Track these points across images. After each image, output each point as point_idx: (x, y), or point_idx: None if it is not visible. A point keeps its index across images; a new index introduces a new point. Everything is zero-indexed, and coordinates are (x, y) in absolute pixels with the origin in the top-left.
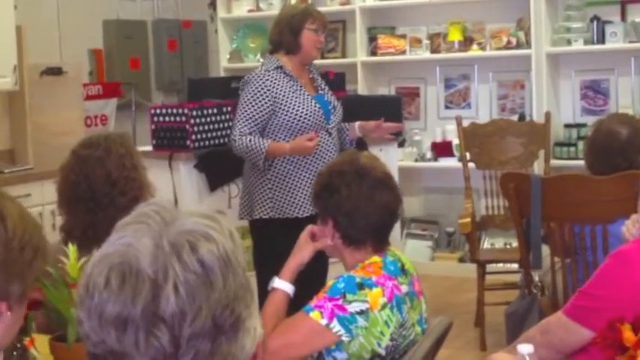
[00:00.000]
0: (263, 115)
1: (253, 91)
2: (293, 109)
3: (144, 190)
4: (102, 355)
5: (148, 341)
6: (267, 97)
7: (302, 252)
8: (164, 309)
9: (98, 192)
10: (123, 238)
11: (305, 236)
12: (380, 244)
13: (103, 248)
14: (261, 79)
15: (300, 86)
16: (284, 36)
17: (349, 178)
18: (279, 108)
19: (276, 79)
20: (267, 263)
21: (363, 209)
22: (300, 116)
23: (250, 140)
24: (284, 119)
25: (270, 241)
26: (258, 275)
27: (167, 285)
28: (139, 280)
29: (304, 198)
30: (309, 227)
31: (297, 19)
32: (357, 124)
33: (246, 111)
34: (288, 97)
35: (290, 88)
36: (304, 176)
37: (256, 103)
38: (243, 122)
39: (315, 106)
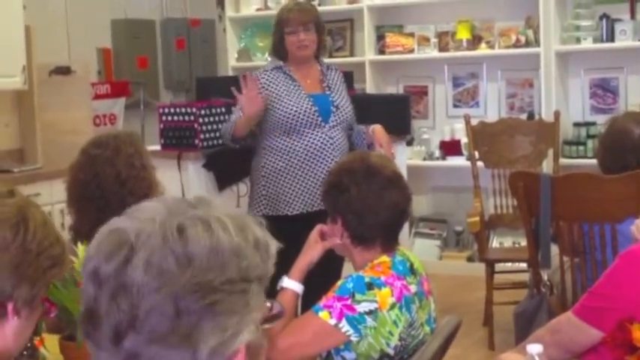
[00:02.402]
0: None
1: None
2: (284, 107)
3: (153, 189)
4: (86, 314)
5: (111, 304)
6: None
7: (312, 251)
8: (130, 274)
9: (107, 191)
10: (135, 212)
11: (315, 235)
12: (389, 243)
13: (118, 217)
14: (258, 77)
15: (297, 85)
16: (274, 44)
17: (359, 176)
18: (272, 106)
19: (272, 79)
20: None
21: (373, 208)
22: (290, 114)
23: (229, 119)
24: (276, 117)
25: (273, 236)
26: None
27: (140, 252)
28: (120, 244)
29: (295, 196)
30: (319, 226)
31: (276, 28)
32: (371, 128)
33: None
34: (280, 96)
35: (285, 87)
36: (296, 174)
37: None
38: (235, 110)
39: (307, 104)
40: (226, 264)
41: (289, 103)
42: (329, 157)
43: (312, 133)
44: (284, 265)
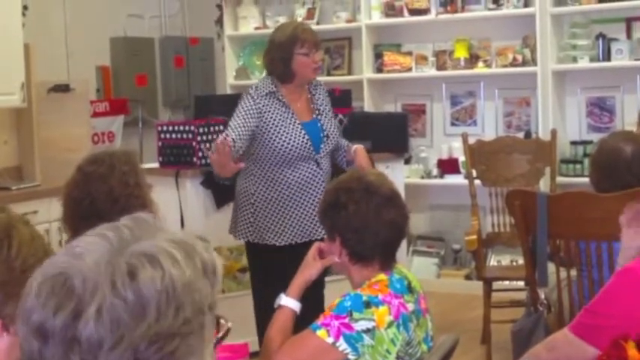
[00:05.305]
0: (247, 130)
1: (246, 106)
2: (279, 139)
3: (147, 208)
4: None
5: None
6: (255, 117)
7: (310, 269)
8: (81, 331)
9: (100, 209)
10: (75, 248)
11: (313, 253)
12: (387, 261)
13: (56, 254)
14: (254, 100)
15: (292, 114)
16: (275, 65)
17: (358, 195)
18: (267, 136)
19: (266, 105)
20: (258, 282)
21: (372, 226)
22: (286, 148)
23: (220, 137)
24: (270, 147)
25: (258, 262)
26: (253, 292)
27: (91, 306)
28: (67, 294)
29: (284, 227)
30: (317, 244)
31: (285, 47)
32: (353, 148)
33: (236, 120)
34: (276, 126)
35: (280, 116)
36: (287, 205)
37: (245, 117)
38: (232, 129)
39: (303, 138)
40: (181, 304)
41: (285, 136)
42: (319, 187)
43: (304, 165)
44: (269, 291)
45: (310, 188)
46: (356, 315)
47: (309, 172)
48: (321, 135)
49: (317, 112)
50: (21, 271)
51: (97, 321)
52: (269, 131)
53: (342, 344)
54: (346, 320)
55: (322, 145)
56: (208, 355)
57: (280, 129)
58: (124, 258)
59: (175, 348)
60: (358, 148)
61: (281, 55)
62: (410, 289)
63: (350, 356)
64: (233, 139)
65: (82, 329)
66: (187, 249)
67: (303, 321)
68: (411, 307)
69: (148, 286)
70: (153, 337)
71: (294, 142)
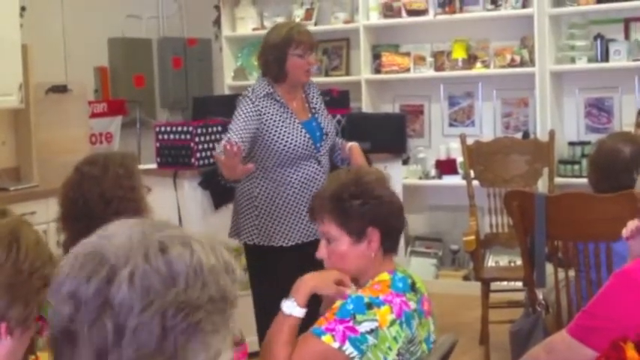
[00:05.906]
0: (248, 132)
1: (245, 109)
2: (282, 139)
3: (141, 212)
4: (59, 335)
5: (94, 324)
6: (255, 120)
7: (325, 287)
8: (114, 294)
9: (93, 210)
10: (106, 231)
11: (335, 279)
12: (396, 250)
13: (89, 237)
14: (252, 102)
15: (291, 114)
16: (269, 66)
17: (380, 186)
18: (269, 138)
19: (265, 107)
20: (260, 284)
21: (400, 214)
22: (289, 147)
23: (223, 140)
24: (272, 148)
25: (260, 264)
26: (253, 294)
27: (123, 271)
28: (100, 263)
29: (291, 227)
30: (339, 274)
31: (279, 48)
32: (347, 146)
33: (236, 124)
34: (277, 127)
35: (280, 116)
36: (292, 205)
37: (246, 120)
38: (233, 133)
39: (304, 137)
40: (207, 283)
41: (287, 136)
42: (320, 185)
43: (306, 164)
44: (273, 292)
45: (313, 187)
46: (359, 317)
47: (311, 171)
48: (320, 133)
49: (313, 110)
50: (28, 273)
51: (130, 285)
52: (270, 132)
53: (349, 348)
54: (350, 324)
55: (322, 143)
56: (229, 344)
57: (281, 129)
58: (156, 236)
59: (200, 319)
60: (353, 146)
61: (276, 55)
62: (414, 288)
63: (355, 359)
64: (236, 142)
65: (114, 293)
66: (211, 244)
67: (307, 317)
68: (412, 305)
69: (178, 261)
70: (181, 305)
71: (296, 141)
